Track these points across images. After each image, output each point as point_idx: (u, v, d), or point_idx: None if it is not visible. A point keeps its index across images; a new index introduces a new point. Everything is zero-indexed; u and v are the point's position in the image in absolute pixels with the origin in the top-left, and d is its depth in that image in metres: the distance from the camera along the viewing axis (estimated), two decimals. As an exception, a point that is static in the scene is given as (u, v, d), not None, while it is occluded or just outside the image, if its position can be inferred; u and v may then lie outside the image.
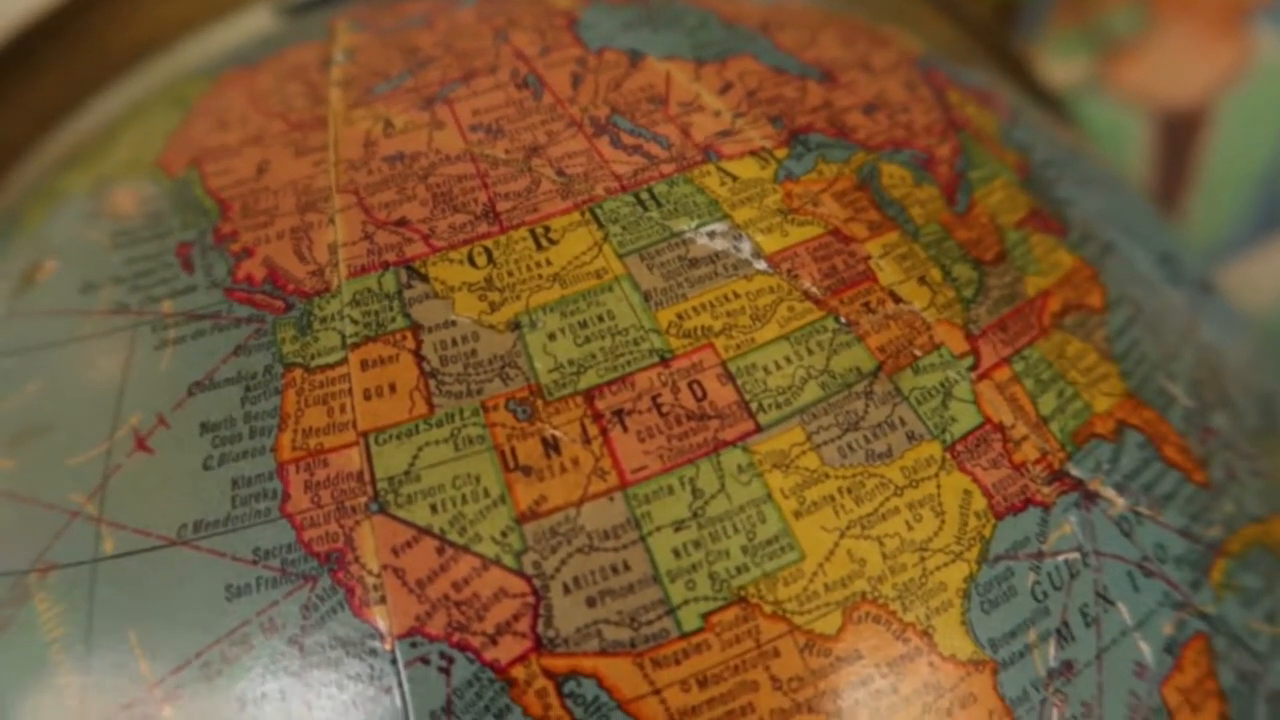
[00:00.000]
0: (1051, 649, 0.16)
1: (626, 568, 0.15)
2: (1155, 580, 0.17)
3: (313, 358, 0.16)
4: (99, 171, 0.22)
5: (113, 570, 0.16)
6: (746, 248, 0.17)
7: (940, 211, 0.19)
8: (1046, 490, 0.17)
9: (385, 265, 0.17)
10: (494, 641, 0.15)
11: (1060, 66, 0.48)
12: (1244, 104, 0.45)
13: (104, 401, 0.17)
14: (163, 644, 0.15)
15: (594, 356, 0.16)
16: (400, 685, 0.14)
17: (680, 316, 0.17)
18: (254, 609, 0.15)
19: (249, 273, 0.18)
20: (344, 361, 0.16)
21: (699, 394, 0.16)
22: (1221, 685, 0.17)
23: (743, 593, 0.15)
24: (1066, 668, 0.16)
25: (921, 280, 0.18)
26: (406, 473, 0.15)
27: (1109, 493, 0.17)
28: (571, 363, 0.16)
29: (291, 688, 0.15)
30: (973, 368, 0.17)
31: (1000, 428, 0.17)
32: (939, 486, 0.16)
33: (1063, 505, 0.17)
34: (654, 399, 0.16)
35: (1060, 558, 0.16)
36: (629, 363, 0.16)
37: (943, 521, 0.16)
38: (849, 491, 0.16)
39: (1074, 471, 0.17)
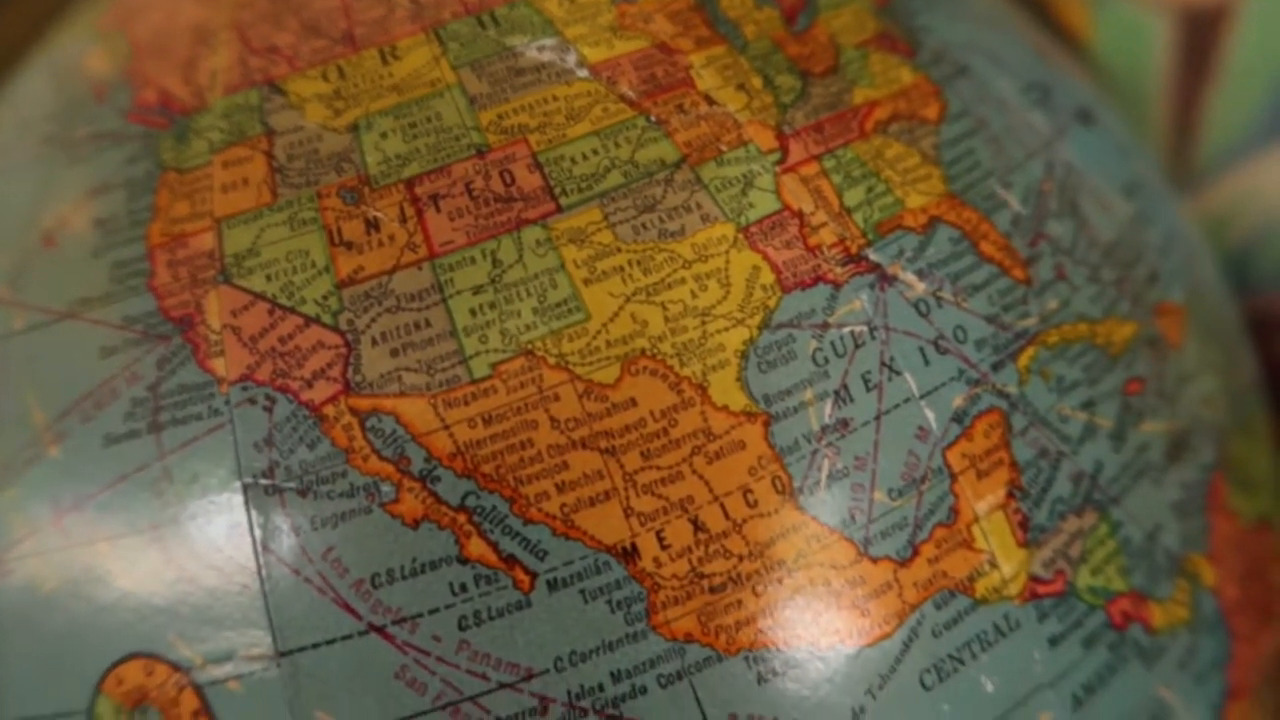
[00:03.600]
0: (828, 407, 0.17)
1: (428, 324, 0.17)
2: (950, 357, 0.18)
3: (184, 161, 0.19)
4: (56, 42, 0.25)
5: (20, 343, 0.19)
6: (571, 59, 0.19)
7: (776, 30, 0.20)
8: (840, 270, 0.18)
9: (252, 84, 0.19)
10: (310, 385, 0.17)
11: (1079, -34, 0.47)
12: (1267, -6, 0.43)
13: (26, 212, 0.20)
14: (52, 398, 0.18)
15: (418, 151, 0.18)
16: (231, 421, 0.17)
17: (500, 116, 0.18)
18: (121, 365, 0.18)
19: (145, 99, 0.20)
20: (209, 163, 0.19)
21: (508, 180, 0.18)
22: (1015, 457, 0.18)
23: (529, 346, 0.17)
24: (842, 424, 0.17)
25: (740, 87, 0.19)
26: (249, 250, 0.18)
27: (908, 277, 0.18)
28: (398, 156, 0.18)
29: (146, 427, 0.17)
30: (779, 162, 0.18)
31: (799, 214, 0.18)
32: (728, 262, 0.18)
33: (855, 285, 0.18)
34: (467, 185, 0.18)
35: (846, 329, 0.18)
36: (448, 155, 0.18)
37: (727, 292, 0.17)
38: (638, 264, 0.17)
39: (872, 256, 0.18)
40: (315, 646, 0.16)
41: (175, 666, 0.16)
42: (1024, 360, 0.19)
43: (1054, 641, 0.18)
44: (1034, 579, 0.18)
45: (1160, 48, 0.46)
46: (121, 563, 0.17)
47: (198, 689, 0.16)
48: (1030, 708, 0.18)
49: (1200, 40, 0.46)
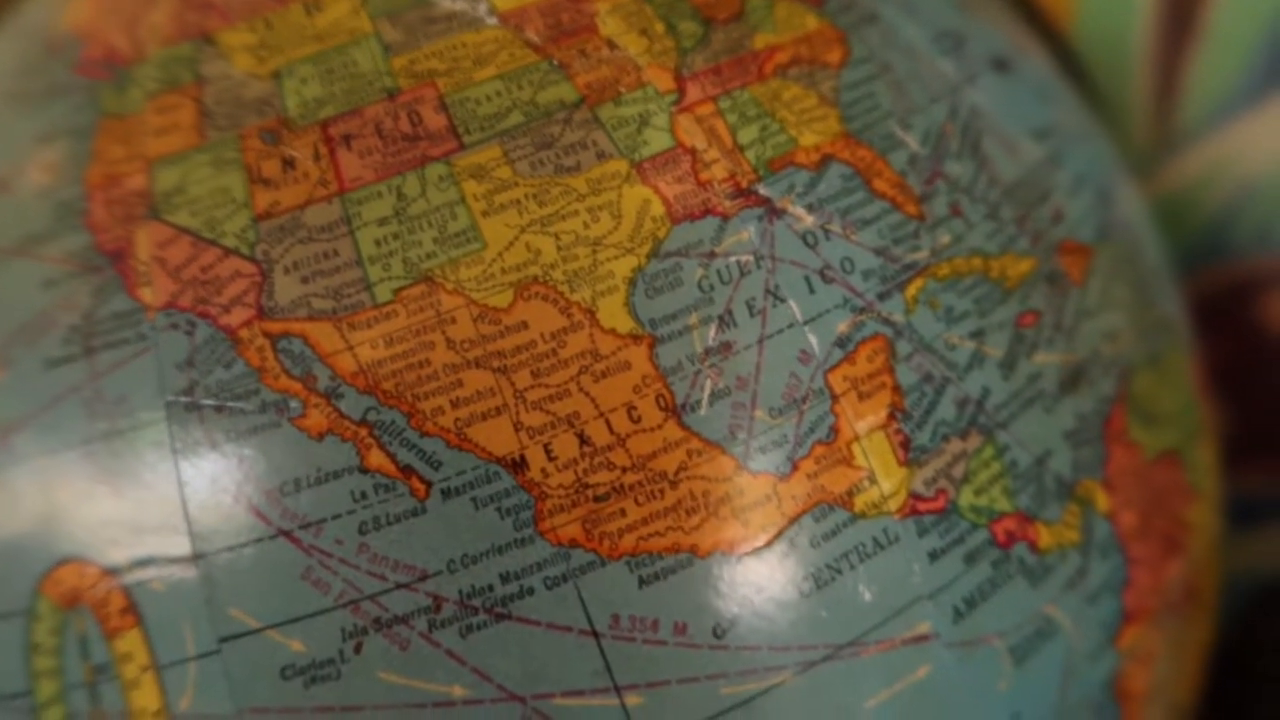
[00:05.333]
0: (711, 331, 0.18)
1: (336, 254, 0.18)
2: (835, 286, 0.19)
3: (122, 109, 0.20)
4: (28, 7, 0.26)
5: (-26, 279, 0.20)
6: (482, 8, 0.20)
7: (683, -19, 0.21)
8: (729, 204, 0.19)
9: (187, 36, 0.21)
10: (227, 310, 0.18)
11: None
12: (1249, -47, 0.43)
13: (-16, 160, 0.21)
14: (1, 327, 0.19)
15: (334, 95, 0.19)
16: (156, 345, 0.18)
17: (412, 62, 0.19)
18: (61, 295, 0.19)
19: (91, 54, 0.21)
20: (144, 110, 0.20)
21: (415, 121, 0.19)
22: (898, 381, 0.19)
23: (429, 274, 0.18)
24: (725, 347, 0.18)
25: (642, 32, 0.20)
26: (177, 188, 0.19)
27: (798, 211, 0.19)
28: (315, 100, 0.19)
29: (81, 351, 0.19)
30: (675, 103, 0.19)
31: (692, 151, 0.19)
32: (620, 195, 0.19)
33: (744, 217, 0.19)
34: (377, 126, 0.19)
35: (732, 259, 0.19)
36: (361, 99, 0.19)
37: (618, 223, 0.18)
38: (534, 197, 0.18)
39: (762, 191, 0.19)
40: (230, 549, 0.17)
41: (105, 569, 0.18)
42: (912, 290, 0.20)
43: (934, 556, 0.19)
44: (914, 496, 0.19)
45: (1143, 10, 0.46)
46: (59, 476, 0.18)
47: (125, 589, 0.18)
48: (908, 617, 0.19)
49: (1183, 2, 0.46)
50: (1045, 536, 0.20)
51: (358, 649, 0.17)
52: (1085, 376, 0.22)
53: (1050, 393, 0.21)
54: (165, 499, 0.18)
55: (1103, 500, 0.21)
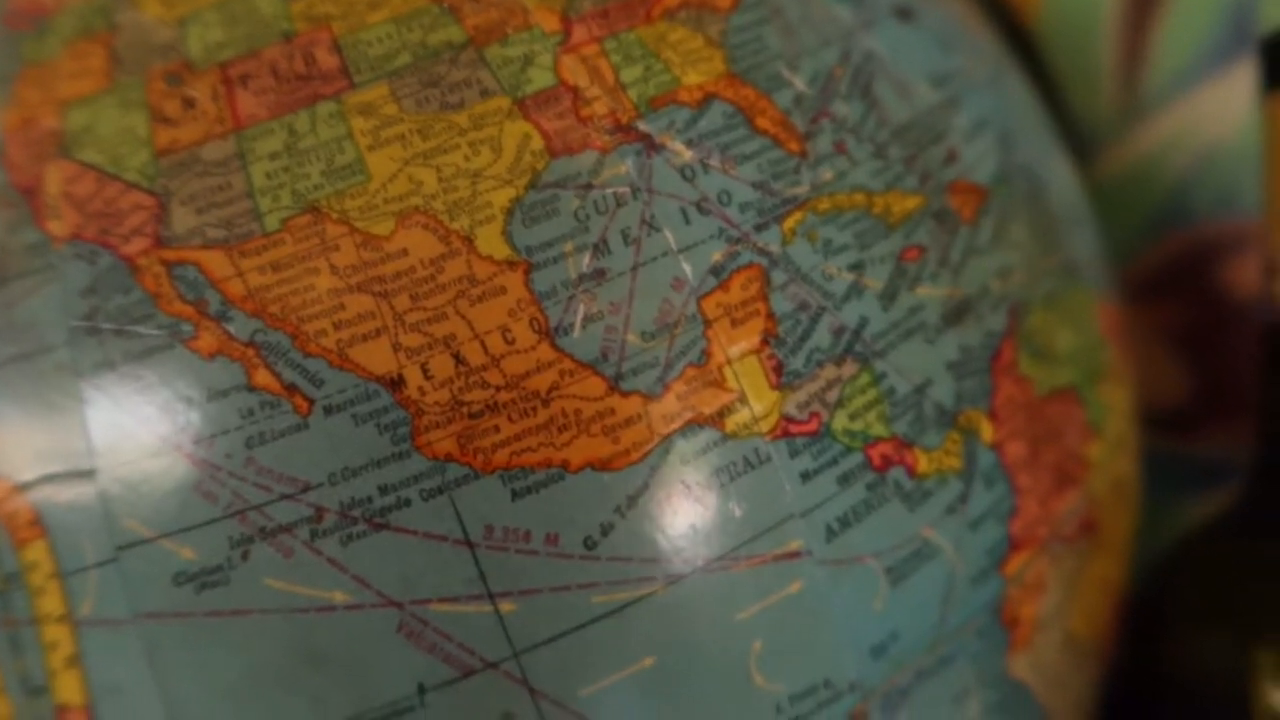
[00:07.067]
0: (586, 258, 0.19)
1: (229, 187, 0.19)
2: (711, 217, 0.20)
3: (40, 56, 0.21)
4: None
5: (-96, 219, 0.21)
6: (380, -44, 0.21)
7: (578, -70, 0.22)
8: (608, 139, 0.20)
9: (104, -12, 0.22)
10: (127, 240, 0.19)
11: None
12: (1211, -82, 0.44)
13: (-81, 109, 0.23)
14: (-76, 262, 0.21)
15: (235, 39, 0.20)
16: (62, 274, 0.19)
17: (309, 6, 0.20)
18: (-23, 231, 0.20)
19: (16, 7, 0.22)
20: (60, 57, 0.21)
21: (309, 62, 0.20)
22: (772, 309, 0.20)
23: (315, 204, 0.19)
24: (599, 274, 0.19)
25: (533, -21, 0.21)
26: (86, 129, 0.20)
27: (677, 146, 0.20)
28: (217, 44, 0.20)
29: (-5, 281, 0.20)
30: (561, 44, 0.20)
31: (574, 89, 0.20)
32: (501, 130, 0.19)
33: (622, 151, 0.20)
34: (273, 67, 0.20)
35: (609, 190, 0.19)
36: (259, 42, 0.20)
37: (498, 156, 0.19)
38: (418, 132, 0.19)
39: (642, 127, 0.20)
40: (127, 464, 0.18)
41: (14, 485, 0.19)
42: (790, 223, 0.20)
43: (806, 476, 0.20)
44: (786, 419, 0.20)
45: (1111, -21, 0.46)
46: (-26, 399, 0.19)
47: (32, 503, 0.19)
48: (779, 534, 0.19)
49: (1150, -30, 0.46)
50: (924, 462, 0.21)
51: (245, 556, 0.18)
52: (972, 311, 0.22)
53: (933, 324, 0.21)
54: (69, 418, 0.19)
55: (988, 430, 0.22)
